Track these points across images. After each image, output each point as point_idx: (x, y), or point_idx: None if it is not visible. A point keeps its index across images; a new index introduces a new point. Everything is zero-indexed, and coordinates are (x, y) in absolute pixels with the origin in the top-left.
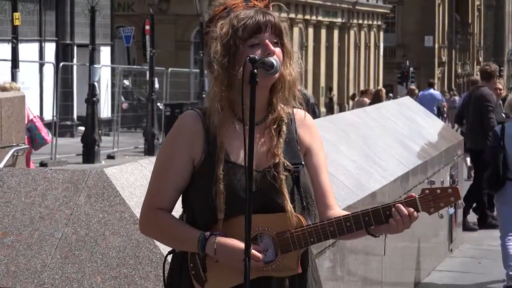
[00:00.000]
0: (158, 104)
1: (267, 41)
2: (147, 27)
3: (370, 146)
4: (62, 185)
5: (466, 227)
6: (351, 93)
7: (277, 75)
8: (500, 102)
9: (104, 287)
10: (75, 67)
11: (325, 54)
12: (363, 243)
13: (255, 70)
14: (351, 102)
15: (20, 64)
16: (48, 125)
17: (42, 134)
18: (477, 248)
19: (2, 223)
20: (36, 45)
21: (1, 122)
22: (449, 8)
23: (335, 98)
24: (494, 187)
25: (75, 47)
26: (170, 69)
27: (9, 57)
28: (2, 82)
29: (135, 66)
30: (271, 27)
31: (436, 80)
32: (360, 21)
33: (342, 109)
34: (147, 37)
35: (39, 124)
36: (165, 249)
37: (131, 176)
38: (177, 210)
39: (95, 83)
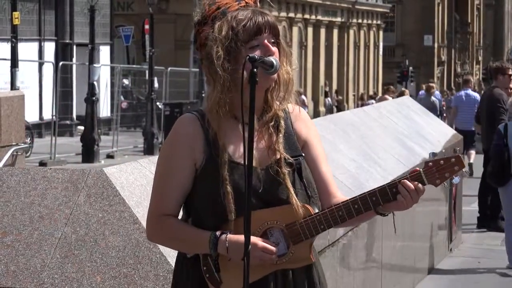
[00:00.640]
0: (158, 103)
1: (266, 42)
2: (147, 27)
3: (369, 145)
4: (62, 184)
5: (497, 228)
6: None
7: (275, 75)
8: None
9: (103, 286)
10: (74, 67)
11: (324, 54)
12: (362, 241)
13: (255, 70)
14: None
15: (20, 63)
16: (47, 124)
17: None
18: (477, 247)
19: (2, 222)
20: (35, 44)
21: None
22: (449, 8)
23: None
24: (499, 183)
25: (74, 47)
26: (169, 68)
27: (9, 57)
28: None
29: (134, 66)
30: (269, 28)
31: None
32: (360, 21)
33: (341, 108)
34: (147, 36)
35: None
36: (164, 249)
37: (131, 176)
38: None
39: (95, 83)
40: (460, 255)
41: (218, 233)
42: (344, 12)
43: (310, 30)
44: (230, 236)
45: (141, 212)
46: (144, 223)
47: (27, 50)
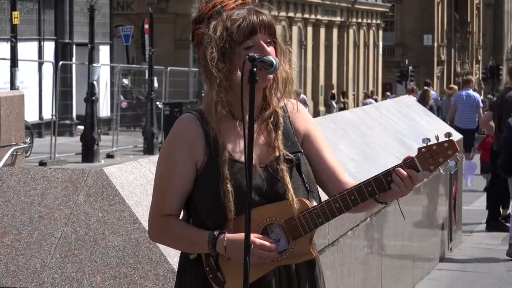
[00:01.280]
0: (157, 103)
1: (262, 42)
2: (146, 26)
3: (369, 144)
4: (62, 184)
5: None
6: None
7: (272, 75)
8: None
9: (103, 286)
10: (74, 66)
11: (324, 53)
12: (362, 241)
13: (255, 69)
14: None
15: (19, 63)
16: (47, 124)
17: None
18: (477, 247)
19: (2, 222)
20: (35, 44)
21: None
22: (448, 7)
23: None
24: (508, 173)
25: (74, 46)
26: (169, 68)
27: (8, 56)
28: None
29: (134, 65)
30: (265, 28)
31: (435, 79)
32: (359, 20)
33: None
34: (146, 36)
35: None
36: (164, 249)
37: (131, 175)
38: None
39: (94, 82)
40: (460, 255)
41: (216, 232)
42: (343, 11)
43: (309, 29)
44: (228, 235)
45: (141, 212)
46: (144, 223)
47: (27, 49)
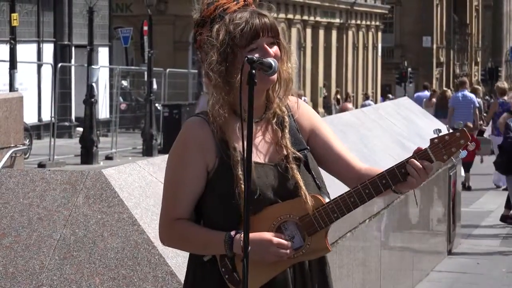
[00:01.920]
0: (156, 105)
1: (265, 45)
2: (145, 28)
3: (368, 146)
4: (60, 186)
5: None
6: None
7: (274, 77)
8: None
9: None
10: (73, 68)
11: (323, 55)
12: (361, 243)
13: (253, 71)
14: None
15: (18, 65)
16: (46, 126)
17: None
18: (476, 249)
19: (0, 224)
20: (34, 46)
21: None
22: (447, 9)
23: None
24: (508, 172)
25: (73, 48)
26: (168, 69)
27: (7, 58)
28: None
29: (133, 67)
30: (268, 30)
31: (434, 81)
32: (358, 22)
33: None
34: (145, 38)
35: None
36: (164, 250)
37: (129, 177)
38: None
39: (93, 84)
40: (459, 257)
41: (232, 233)
42: (342, 13)
43: (308, 31)
44: None
45: (140, 214)
46: (142, 225)
47: (26, 51)
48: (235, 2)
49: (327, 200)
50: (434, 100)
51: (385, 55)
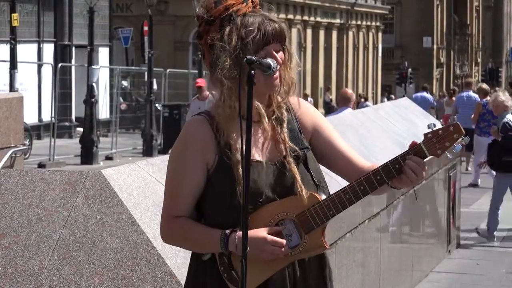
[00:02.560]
0: (157, 105)
1: (273, 52)
2: (146, 28)
3: (368, 147)
4: (60, 186)
5: None
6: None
7: (277, 81)
8: None
9: None
10: (73, 68)
11: (323, 55)
12: (361, 244)
13: (253, 72)
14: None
15: (19, 65)
16: (46, 126)
17: None
18: (475, 249)
19: (0, 224)
20: (34, 46)
21: None
22: (448, 9)
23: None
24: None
25: (73, 48)
26: (168, 70)
27: (8, 58)
28: None
29: (133, 67)
30: (277, 37)
31: (434, 81)
32: (359, 22)
33: None
34: (146, 38)
35: None
36: (163, 250)
37: (129, 177)
38: None
39: (94, 84)
40: (459, 257)
41: (228, 231)
42: (343, 13)
43: (309, 31)
44: (240, 234)
45: (139, 214)
46: (142, 225)
47: (26, 51)
48: (244, 4)
49: (323, 197)
50: (454, 99)
51: (386, 55)
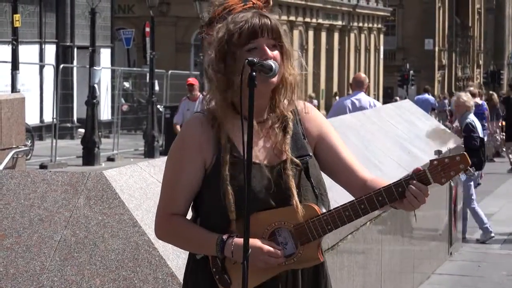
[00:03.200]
0: (158, 106)
1: (264, 45)
2: (147, 29)
3: (369, 149)
4: (62, 187)
5: None
6: None
7: (275, 79)
8: None
9: None
10: (75, 69)
11: (325, 57)
12: (362, 246)
13: (254, 73)
14: None
15: (20, 66)
16: (48, 127)
17: None
18: (476, 252)
19: (1, 225)
20: (36, 47)
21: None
22: (449, 11)
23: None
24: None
25: (75, 49)
26: (170, 71)
27: (9, 59)
28: None
29: (135, 68)
30: (268, 31)
31: (436, 83)
32: (361, 24)
33: None
34: (147, 39)
35: None
36: (164, 252)
37: (130, 179)
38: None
39: (95, 85)
40: (460, 259)
41: (225, 236)
42: (345, 15)
43: (311, 33)
44: (236, 240)
45: (141, 215)
46: (143, 226)
47: (28, 52)
48: (242, 4)
49: (323, 210)
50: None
51: (387, 57)
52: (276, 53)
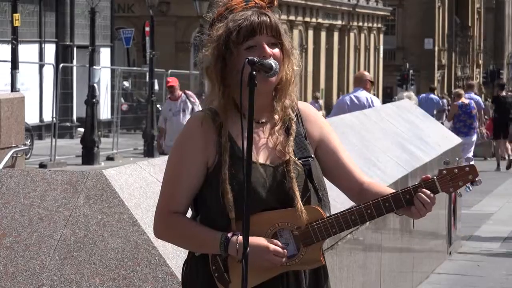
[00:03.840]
0: (158, 105)
1: (263, 43)
2: (147, 29)
3: (369, 148)
4: (61, 186)
5: None
6: None
7: (274, 78)
8: None
9: None
10: (75, 69)
11: (325, 57)
12: (361, 245)
13: (254, 72)
14: None
15: (20, 65)
16: (47, 126)
17: None
18: (476, 251)
19: (1, 224)
20: (36, 46)
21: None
22: (449, 11)
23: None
24: None
25: (75, 48)
26: (170, 70)
27: (9, 58)
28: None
29: (134, 68)
30: (267, 29)
31: (436, 83)
32: (360, 24)
33: None
34: (147, 38)
35: None
36: (164, 251)
37: (130, 178)
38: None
39: (95, 85)
40: (460, 259)
41: (229, 234)
42: (344, 15)
43: (310, 33)
44: (241, 238)
45: (140, 214)
46: (143, 225)
47: (28, 52)
48: (244, 3)
49: (327, 213)
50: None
51: (387, 57)
52: (276, 51)
